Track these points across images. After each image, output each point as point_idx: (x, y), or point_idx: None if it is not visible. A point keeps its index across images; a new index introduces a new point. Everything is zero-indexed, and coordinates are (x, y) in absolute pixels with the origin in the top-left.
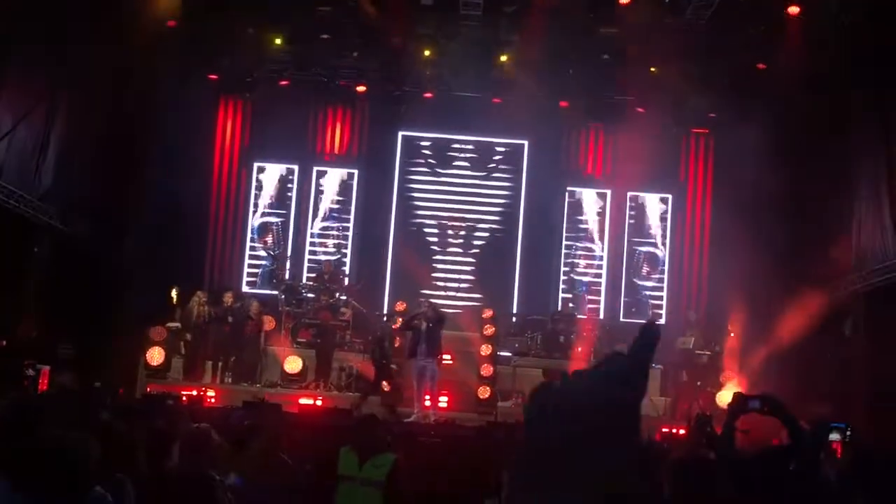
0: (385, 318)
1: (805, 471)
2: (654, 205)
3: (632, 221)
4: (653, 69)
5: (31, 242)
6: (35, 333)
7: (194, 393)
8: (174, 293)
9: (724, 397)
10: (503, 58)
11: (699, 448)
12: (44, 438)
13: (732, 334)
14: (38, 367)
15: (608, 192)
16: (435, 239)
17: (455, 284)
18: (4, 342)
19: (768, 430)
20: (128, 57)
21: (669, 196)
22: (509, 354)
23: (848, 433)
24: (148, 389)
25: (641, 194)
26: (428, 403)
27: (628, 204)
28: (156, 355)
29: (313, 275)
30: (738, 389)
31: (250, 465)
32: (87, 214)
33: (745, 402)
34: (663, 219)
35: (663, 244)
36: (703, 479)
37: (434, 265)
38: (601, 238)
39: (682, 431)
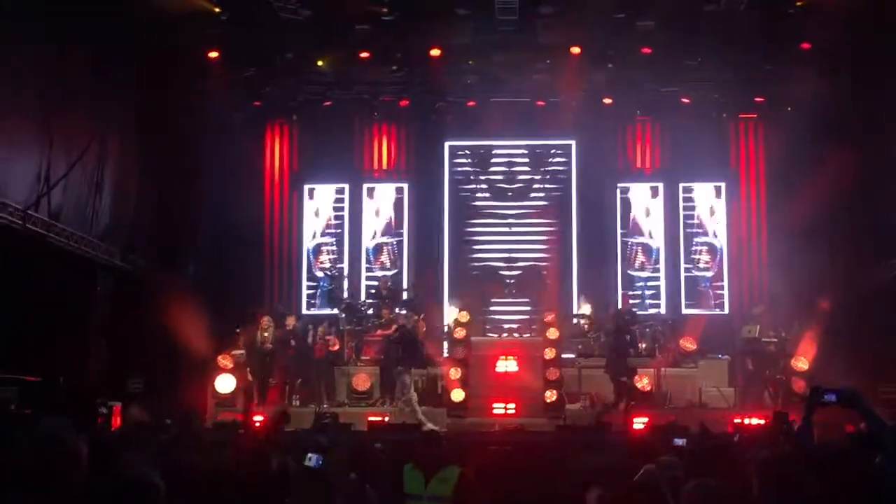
0: (445, 330)
1: (892, 463)
2: (707, 194)
3: (686, 213)
4: (695, 59)
5: (94, 281)
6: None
7: (263, 419)
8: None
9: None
10: (544, 60)
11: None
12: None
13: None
14: (111, 404)
15: (660, 185)
16: (490, 246)
17: (513, 290)
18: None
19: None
20: (173, 90)
21: (722, 184)
22: (573, 356)
23: None
24: (219, 418)
25: (693, 185)
26: (500, 411)
27: (681, 195)
28: (224, 383)
29: (372, 292)
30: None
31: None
32: (145, 249)
33: (822, 395)
34: (718, 208)
35: (720, 233)
36: (792, 477)
37: (491, 272)
38: (656, 232)
39: (754, 422)
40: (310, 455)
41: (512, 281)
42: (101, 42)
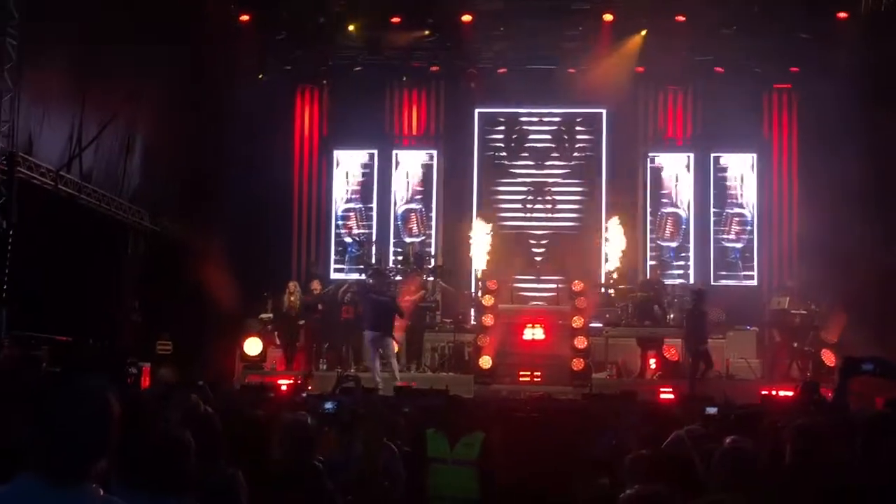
0: (473, 296)
1: None
2: (738, 165)
3: (717, 183)
4: (730, 27)
5: (125, 243)
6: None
7: (291, 382)
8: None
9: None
10: (576, 27)
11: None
12: (148, 432)
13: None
14: (140, 365)
15: (690, 155)
16: (518, 213)
17: (541, 258)
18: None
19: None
20: (204, 54)
21: (754, 155)
22: (601, 325)
23: None
24: (246, 381)
25: (725, 155)
26: (526, 379)
27: (712, 165)
28: (253, 346)
29: (400, 258)
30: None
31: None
32: (175, 212)
33: (858, 364)
34: (749, 178)
35: (751, 204)
36: (826, 444)
37: (519, 240)
38: (686, 202)
39: (783, 393)
40: (327, 403)
41: (540, 249)
42: (134, 6)
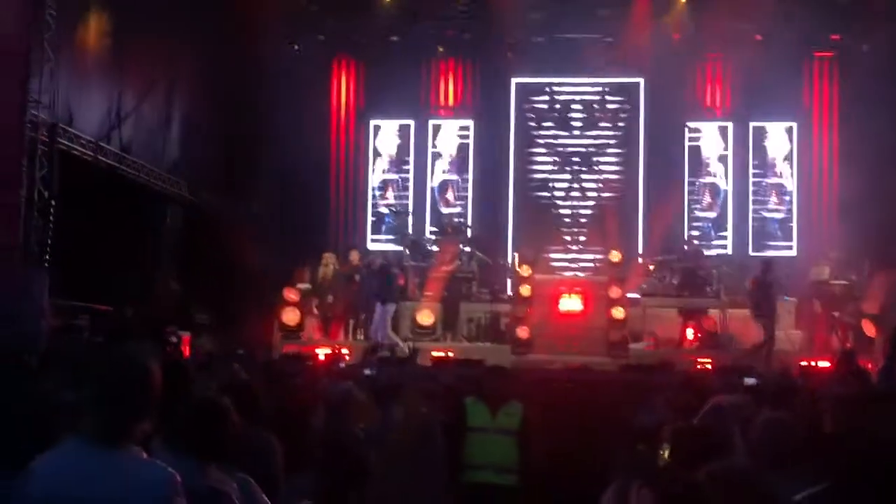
0: (509, 266)
1: None
2: (778, 134)
3: (756, 153)
4: None
5: (163, 214)
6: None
7: (329, 351)
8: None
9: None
10: None
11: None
12: (188, 398)
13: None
14: (180, 334)
15: (730, 124)
16: (555, 185)
17: (578, 229)
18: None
19: None
20: (241, 25)
21: (794, 124)
22: (638, 296)
23: None
24: (284, 350)
25: (764, 124)
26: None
27: (751, 135)
28: (290, 316)
29: (436, 228)
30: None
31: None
32: (213, 183)
33: None
34: (789, 148)
35: (790, 174)
36: (867, 413)
37: (555, 211)
38: (725, 172)
39: (822, 364)
40: (367, 369)
41: (577, 220)
42: None
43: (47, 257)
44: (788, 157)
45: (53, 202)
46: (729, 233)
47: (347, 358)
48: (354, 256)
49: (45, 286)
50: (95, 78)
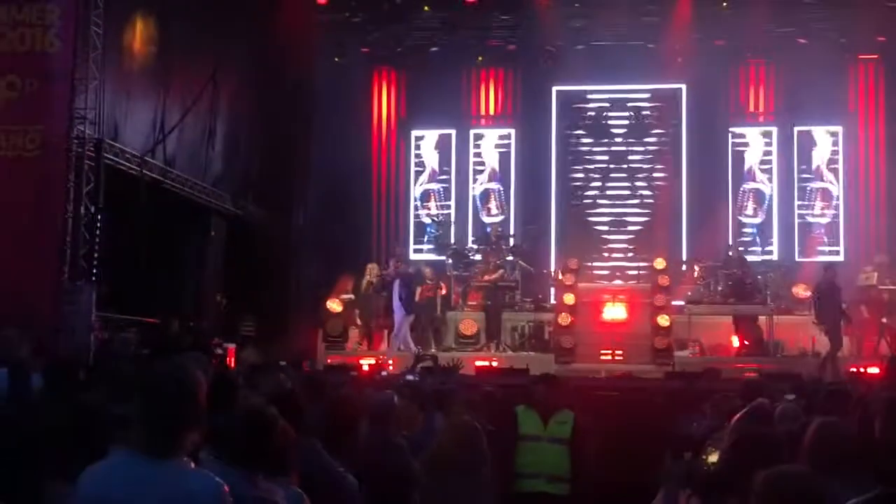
0: (553, 275)
1: None
2: (823, 138)
3: (801, 157)
4: None
5: (208, 226)
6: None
7: (373, 361)
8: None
9: None
10: (654, 1)
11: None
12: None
13: None
14: (225, 346)
15: (774, 128)
16: (597, 192)
17: (621, 237)
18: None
19: None
20: (282, 38)
21: (839, 128)
22: (683, 303)
23: None
24: (328, 360)
25: (809, 128)
26: (607, 357)
27: (796, 139)
28: (334, 326)
29: (478, 238)
30: None
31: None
32: (256, 195)
33: None
34: (834, 152)
35: (836, 178)
36: None
37: (598, 219)
38: (770, 177)
39: (872, 370)
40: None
41: (620, 227)
42: None
43: (94, 271)
44: (834, 161)
45: (99, 216)
46: (775, 238)
47: (391, 367)
48: (396, 266)
49: (93, 299)
50: (140, 93)
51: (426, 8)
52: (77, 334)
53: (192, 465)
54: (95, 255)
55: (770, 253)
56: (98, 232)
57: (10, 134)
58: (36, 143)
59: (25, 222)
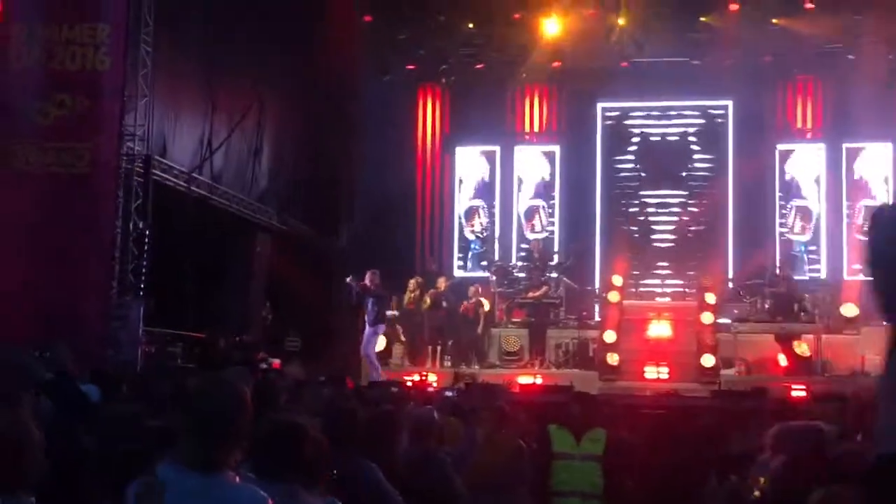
0: (597, 292)
1: None
2: (873, 155)
3: (849, 175)
4: (861, 12)
5: (254, 242)
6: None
7: (416, 378)
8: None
9: None
10: (702, 17)
11: None
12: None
13: None
14: (270, 361)
15: (822, 145)
16: (642, 209)
17: (666, 254)
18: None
19: None
20: (327, 55)
21: (889, 144)
22: (729, 321)
23: None
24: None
25: (858, 145)
26: (652, 375)
27: (844, 157)
28: (377, 342)
29: (523, 254)
30: None
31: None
32: (301, 210)
33: None
34: (884, 169)
35: (886, 195)
36: None
37: (643, 235)
38: (817, 195)
39: None
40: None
41: (665, 244)
42: (258, 8)
43: (142, 286)
44: (884, 178)
45: (147, 232)
46: (822, 256)
47: (434, 384)
48: (442, 283)
49: (141, 314)
50: (187, 110)
51: (471, 25)
52: (125, 349)
53: (238, 479)
54: (143, 270)
55: (817, 271)
56: (146, 247)
57: (61, 151)
58: (86, 160)
59: (76, 238)
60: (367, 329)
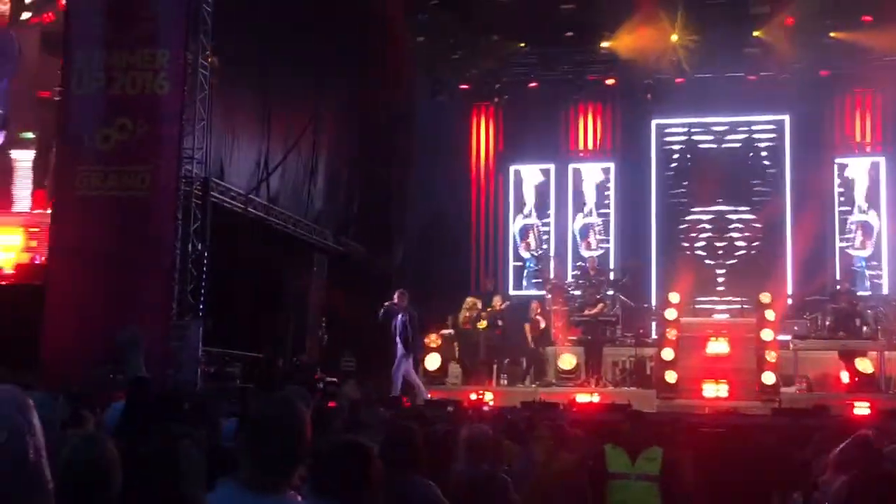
0: (654, 310)
1: None
2: None
3: None
4: None
5: (310, 262)
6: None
7: (473, 397)
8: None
9: None
10: (756, 32)
11: None
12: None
13: None
14: (327, 381)
15: (881, 159)
16: (699, 226)
17: (724, 270)
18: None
19: None
20: (382, 76)
21: None
22: (789, 338)
23: None
24: (428, 396)
25: None
26: (711, 393)
27: None
28: (433, 361)
29: (578, 272)
30: None
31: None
32: (357, 231)
33: None
34: None
35: None
36: None
37: (700, 252)
38: (878, 209)
39: None
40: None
41: (723, 260)
42: (313, 30)
43: (201, 307)
44: None
45: (206, 253)
46: (884, 271)
47: (491, 402)
48: (498, 302)
49: (200, 335)
50: (244, 133)
51: (522, 45)
52: (185, 368)
53: (299, 497)
54: (202, 291)
55: (879, 287)
56: (205, 268)
57: (122, 175)
58: (146, 184)
59: (137, 259)
60: (399, 350)
